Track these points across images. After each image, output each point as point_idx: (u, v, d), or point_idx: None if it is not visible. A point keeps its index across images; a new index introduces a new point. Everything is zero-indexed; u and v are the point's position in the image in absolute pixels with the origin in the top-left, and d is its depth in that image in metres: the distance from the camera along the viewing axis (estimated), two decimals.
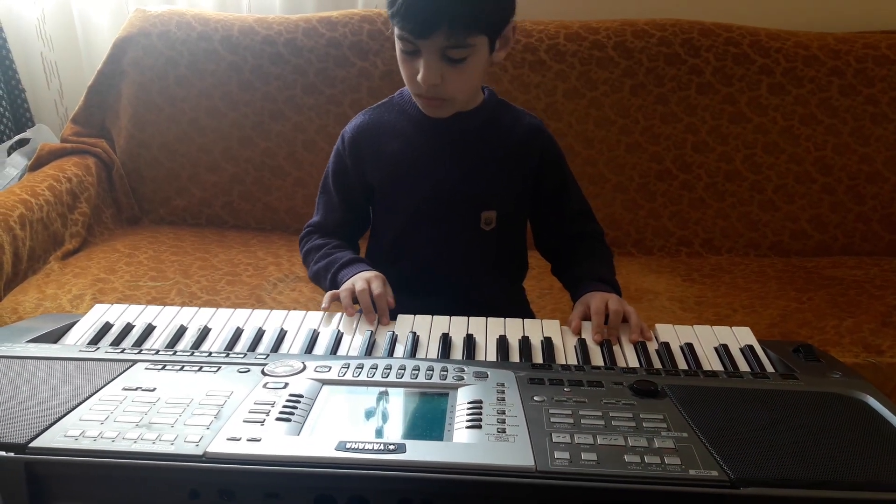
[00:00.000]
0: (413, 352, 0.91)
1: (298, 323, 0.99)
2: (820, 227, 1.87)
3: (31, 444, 0.65)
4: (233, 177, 1.96)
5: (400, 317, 1.00)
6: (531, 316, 1.25)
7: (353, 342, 0.94)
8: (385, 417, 0.74)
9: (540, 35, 1.88)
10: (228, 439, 0.65)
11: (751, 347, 0.92)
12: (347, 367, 0.81)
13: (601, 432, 0.68)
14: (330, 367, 0.81)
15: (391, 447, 0.64)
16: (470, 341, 0.94)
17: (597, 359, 0.92)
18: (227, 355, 0.86)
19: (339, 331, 0.96)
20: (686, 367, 0.88)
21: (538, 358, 0.91)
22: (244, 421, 0.69)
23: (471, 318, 0.99)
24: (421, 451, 0.64)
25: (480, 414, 0.70)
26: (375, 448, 0.64)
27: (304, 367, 0.81)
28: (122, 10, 2.13)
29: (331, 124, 1.90)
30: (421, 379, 0.79)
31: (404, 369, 0.81)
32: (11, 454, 0.64)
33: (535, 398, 0.74)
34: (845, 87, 1.84)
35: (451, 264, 1.15)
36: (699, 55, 1.86)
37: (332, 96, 1.90)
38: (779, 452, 0.65)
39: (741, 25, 1.90)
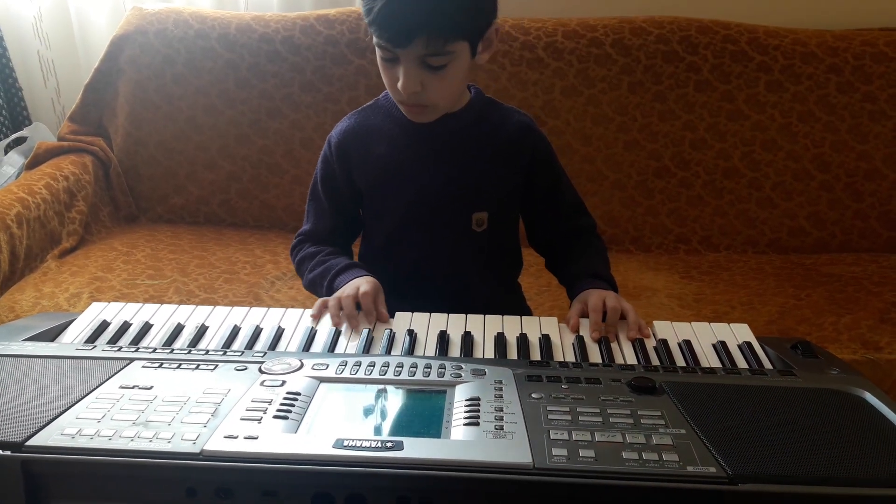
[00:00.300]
0: (411, 349, 0.91)
1: (296, 321, 0.99)
2: (818, 224, 1.87)
3: (27, 443, 0.65)
4: (230, 175, 1.96)
5: (398, 314, 1.00)
6: (526, 311, 1.25)
7: (351, 340, 0.94)
8: (383, 415, 0.74)
9: (538, 32, 1.88)
10: (225, 437, 0.65)
11: (749, 344, 0.92)
12: (345, 365, 0.81)
13: (599, 429, 0.68)
14: (327, 365, 0.81)
15: (389, 445, 0.64)
16: (468, 339, 0.93)
17: (595, 356, 0.92)
18: (225, 353, 0.85)
19: (336, 329, 0.96)
20: (684, 364, 0.88)
21: (536, 355, 0.91)
22: (241, 419, 0.69)
23: (469, 315, 0.99)
24: (418, 449, 0.64)
25: (478, 411, 0.70)
26: (373, 446, 0.64)
27: (302, 365, 0.80)
28: (119, 7, 2.12)
29: (328, 122, 1.89)
30: (419, 376, 0.79)
31: (402, 367, 0.80)
32: (8, 452, 0.64)
33: (533, 395, 0.74)
34: (843, 85, 1.84)
35: (444, 267, 1.14)
36: (697, 52, 1.86)
37: (329, 94, 1.90)
38: (776, 449, 0.65)
39: (739, 23, 1.89)
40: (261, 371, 0.79)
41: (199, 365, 0.81)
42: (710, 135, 1.87)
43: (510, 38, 1.87)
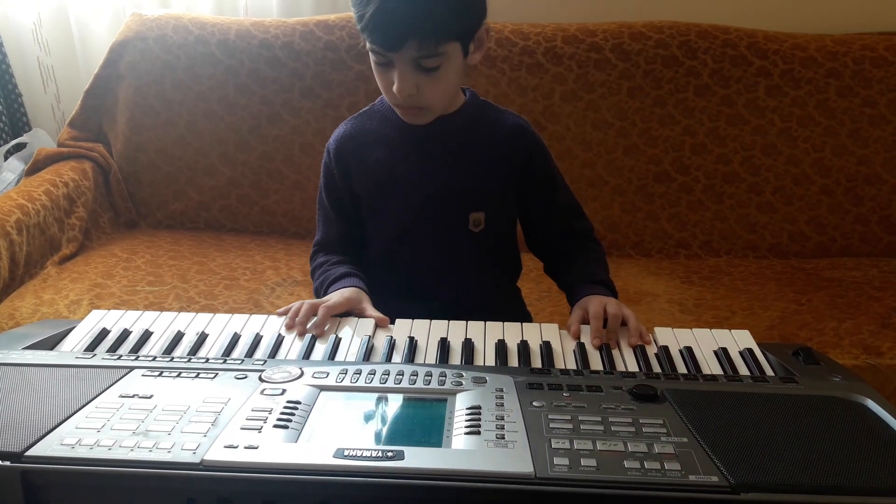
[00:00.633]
0: (411, 357, 0.91)
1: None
2: (818, 229, 1.87)
3: (27, 453, 0.65)
4: (230, 181, 1.96)
5: (398, 321, 1.00)
6: (527, 316, 1.26)
7: (351, 348, 0.93)
8: (383, 424, 0.74)
9: (537, 38, 1.88)
10: (226, 447, 0.65)
11: (750, 351, 0.92)
12: (345, 373, 0.80)
13: (600, 438, 0.67)
14: (328, 373, 0.80)
15: (389, 454, 0.64)
16: (468, 346, 0.93)
17: (596, 363, 0.92)
18: (225, 361, 0.85)
19: (337, 336, 0.95)
20: (685, 371, 0.88)
21: (537, 362, 0.91)
22: (241, 428, 0.68)
23: (469, 322, 0.99)
24: (419, 458, 0.64)
25: (479, 420, 0.70)
26: (374, 455, 0.63)
27: (302, 373, 0.80)
28: (119, 14, 2.12)
29: (328, 128, 1.89)
30: (419, 384, 0.78)
31: (402, 375, 0.80)
32: (7, 463, 0.64)
33: (534, 403, 0.74)
34: (843, 89, 1.84)
35: (442, 267, 1.15)
36: (696, 57, 1.86)
37: (329, 100, 1.90)
38: (779, 457, 0.65)
39: (738, 27, 1.90)
40: (261, 379, 0.79)
41: (199, 373, 0.80)
42: (710, 139, 1.87)
43: (510, 43, 1.87)
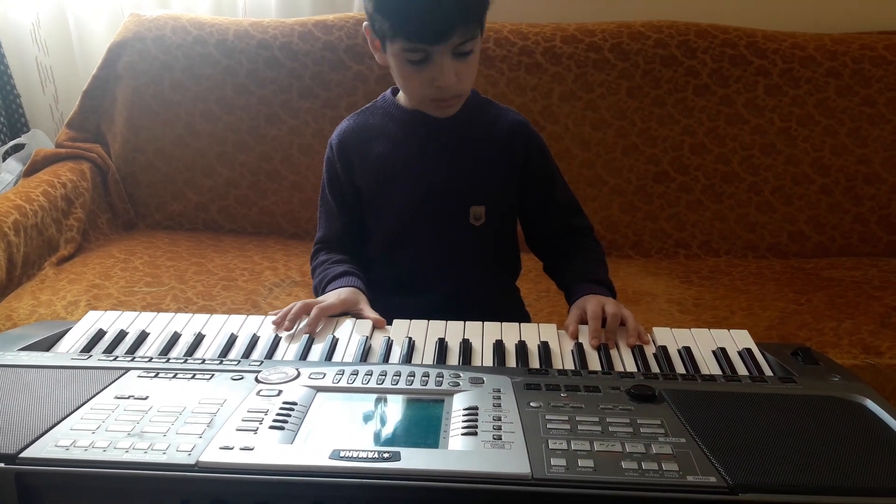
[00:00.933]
0: (409, 357, 0.90)
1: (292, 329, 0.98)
2: (818, 229, 1.87)
3: (21, 455, 0.64)
4: (228, 181, 1.95)
5: (395, 322, 1.00)
6: (525, 315, 1.26)
7: (348, 348, 0.93)
8: (380, 425, 0.73)
9: (536, 38, 1.88)
10: (221, 448, 0.65)
11: (749, 351, 0.92)
12: (342, 374, 0.80)
13: (598, 438, 0.67)
14: (324, 374, 0.80)
15: (386, 455, 0.63)
16: (466, 346, 0.93)
17: (594, 363, 0.91)
18: (221, 362, 0.85)
19: (334, 337, 0.95)
20: (684, 372, 0.88)
21: (535, 363, 0.90)
22: (237, 429, 0.68)
23: (467, 322, 0.99)
24: (416, 460, 0.63)
25: (476, 421, 0.70)
26: (370, 456, 0.63)
27: (299, 374, 0.80)
28: (117, 14, 2.12)
29: (327, 128, 1.89)
30: (416, 385, 0.78)
31: (399, 375, 0.80)
32: (2, 464, 0.64)
33: (532, 404, 0.73)
34: (842, 88, 1.84)
35: (443, 261, 1.15)
36: (696, 57, 1.85)
37: (328, 100, 1.90)
38: (777, 458, 0.64)
39: (738, 27, 1.89)
40: (257, 380, 0.78)
41: (195, 374, 0.80)
42: (710, 139, 1.87)
43: (508, 43, 1.87)
